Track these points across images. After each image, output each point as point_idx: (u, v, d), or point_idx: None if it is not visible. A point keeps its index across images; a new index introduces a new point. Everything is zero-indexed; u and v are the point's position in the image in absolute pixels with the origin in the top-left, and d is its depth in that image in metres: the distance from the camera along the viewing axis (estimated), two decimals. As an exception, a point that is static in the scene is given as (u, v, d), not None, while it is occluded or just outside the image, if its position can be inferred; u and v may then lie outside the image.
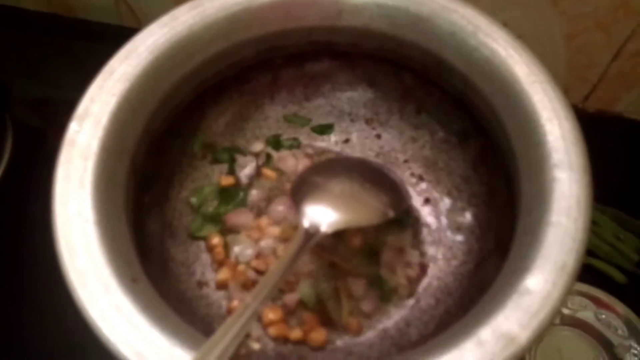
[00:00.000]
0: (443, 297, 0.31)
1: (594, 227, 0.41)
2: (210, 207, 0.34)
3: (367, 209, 0.30)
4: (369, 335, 0.31)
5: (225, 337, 0.22)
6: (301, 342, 0.30)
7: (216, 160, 0.36)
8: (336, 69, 0.36)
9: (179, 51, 0.29)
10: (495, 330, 0.21)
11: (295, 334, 0.30)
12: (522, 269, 0.23)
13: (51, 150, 0.26)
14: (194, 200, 0.34)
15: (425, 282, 0.32)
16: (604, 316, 0.37)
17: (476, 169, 0.33)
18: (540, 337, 0.21)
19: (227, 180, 0.35)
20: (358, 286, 0.32)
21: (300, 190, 0.31)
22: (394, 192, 0.33)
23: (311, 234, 0.28)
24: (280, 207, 0.34)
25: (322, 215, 0.28)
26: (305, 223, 0.28)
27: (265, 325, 0.31)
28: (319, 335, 0.30)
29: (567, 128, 0.25)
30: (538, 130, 0.26)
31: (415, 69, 0.33)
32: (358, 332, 0.31)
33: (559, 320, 0.37)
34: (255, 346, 0.30)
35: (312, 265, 0.31)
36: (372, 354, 0.30)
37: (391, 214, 0.31)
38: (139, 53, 0.28)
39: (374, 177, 0.33)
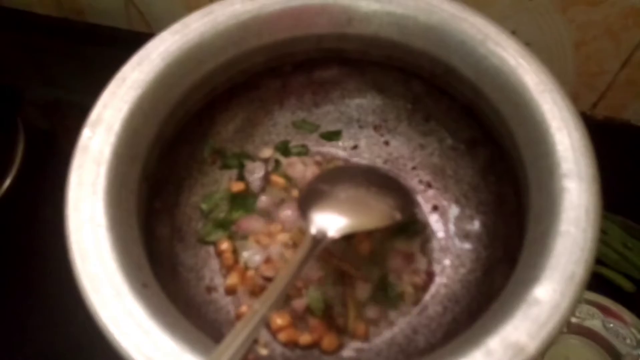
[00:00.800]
0: (451, 305, 0.31)
1: (602, 236, 0.40)
2: (221, 212, 0.35)
3: (374, 213, 0.30)
4: (376, 342, 0.31)
5: (234, 343, 0.22)
6: (310, 347, 0.31)
7: (225, 166, 0.36)
8: (345, 76, 0.36)
9: (191, 58, 0.30)
10: (504, 340, 0.21)
11: (305, 338, 0.30)
12: (530, 278, 0.23)
13: (62, 153, 0.27)
14: (204, 206, 0.34)
15: (432, 289, 0.32)
16: (612, 325, 0.37)
17: (484, 177, 0.33)
18: (548, 348, 0.21)
19: (237, 187, 0.35)
20: (364, 292, 0.32)
21: (307, 199, 0.31)
22: (401, 196, 0.33)
23: (318, 239, 0.28)
24: (289, 212, 0.34)
25: (328, 220, 0.29)
26: (313, 229, 0.28)
27: (274, 331, 0.31)
28: (331, 340, 0.30)
29: (576, 138, 0.25)
30: (547, 139, 0.26)
31: (424, 76, 0.33)
32: (365, 337, 0.31)
33: (566, 328, 0.36)
34: (263, 352, 0.30)
35: (320, 271, 0.32)
36: (380, 361, 0.30)
37: (398, 216, 0.31)
38: (151, 60, 0.29)
39: (380, 181, 0.33)
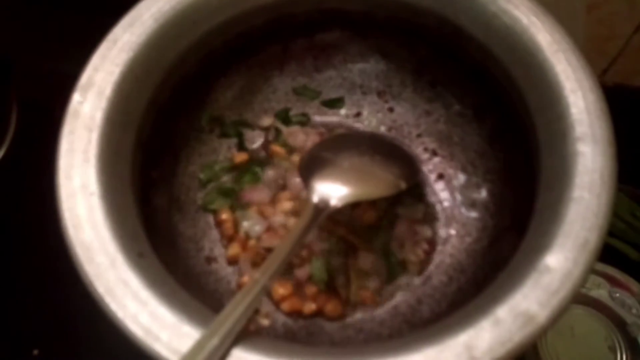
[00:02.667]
0: (456, 275, 0.31)
1: (611, 205, 0.40)
2: (225, 182, 0.34)
3: (378, 181, 0.30)
4: (380, 312, 0.30)
5: (234, 312, 0.22)
6: (313, 316, 0.30)
7: (224, 135, 0.35)
8: (347, 39, 0.34)
9: (185, 19, 0.28)
10: (513, 308, 0.21)
11: (309, 307, 0.30)
12: (541, 246, 0.22)
13: (56, 124, 0.26)
14: (202, 175, 0.34)
15: (437, 259, 0.32)
16: (618, 295, 0.37)
17: (492, 144, 0.32)
18: (560, 317, 0.21)
19: (240, 157, 0.34)
20: (367, 263, 0.31)
21: (309, 166, 0.30)
22: (406, 164, 0.32)
23: (321, 208, 0.27)
24: (298, 179, 0.33)
25: (331, 189, 0.28)
26: (315, 198, 0.27)
27: (277, 301, 0.30)
28: (335, 306, 0.30)
29: (591, 100, 0.24)
30: (561, 102, 0.25)
31: (431, 39, 0.31)
32: (372, 303, 0.31)
33: (571, 298, 0.36)
34: (265, 322, 0.30)
35: (324, 242, 0.31)
36: (383, 330, 0.30)
37: (403, 185, 0.30)
38: (143, 21, 0.27)
39: (384, 149, 0.32)
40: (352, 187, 0.28)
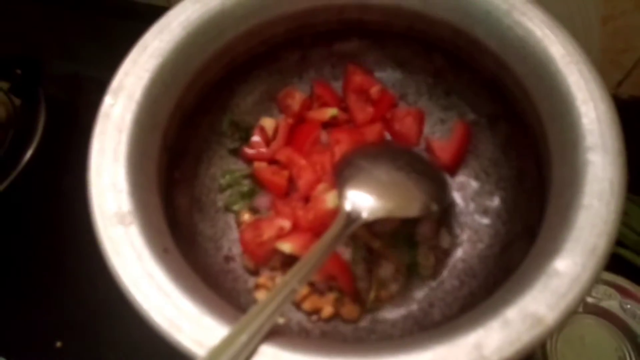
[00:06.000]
0: (467, 279, 0.31)
1: (623, 216, 0.40)
2: (246, 187, 0.35)
3: (411, 201, 0.29)
4: (392, 314, 0.31)
5: (264, 311, 0.22)
6: (331, 319, 0.31)
7: (244, 139, 0.36)
8: (365, 48, 0.35)
9: (211, 27, 0.29)
10: (522, 310, 0.21)
11: (328, 310, 0.30)
12: (551, 251, 0.23)
13: (82, 125, 0.27)
14: (222, 181, 0.35)
15: (450, 264, 0.32)
16: (629, 306, 0.37)
17: (505, 152, 0.33)
18: (567, 320, 0.21)
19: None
20: (388, 271, 0.32)
21: (345, 172, 0.29)
22: (439, 186, 0.32)
23: (353, 218, 0.27)
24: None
25: (364, 200, 0.28)
26: (347, 206, 0.27)
27: (297, 302, 0.31)
28: (351, 309, 0.31)
29: (602, 110, 0.25)
30: (572, 112, 0.25)
31: (447, 49, 0.32)
32: (390, 300, 0.31)
33: (582, 308, 0.36)
34: (280, 320, 0.30)
35: (349, 248, 0.32)
36: (395, 332, 0.30)
37: (435, 208, 0.30)
38: (172, 29, 0.28)
39: (420, 168, 0.32)
40: (385, 203, 0.28)
